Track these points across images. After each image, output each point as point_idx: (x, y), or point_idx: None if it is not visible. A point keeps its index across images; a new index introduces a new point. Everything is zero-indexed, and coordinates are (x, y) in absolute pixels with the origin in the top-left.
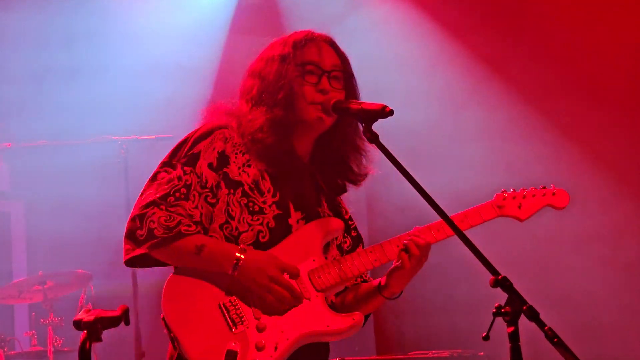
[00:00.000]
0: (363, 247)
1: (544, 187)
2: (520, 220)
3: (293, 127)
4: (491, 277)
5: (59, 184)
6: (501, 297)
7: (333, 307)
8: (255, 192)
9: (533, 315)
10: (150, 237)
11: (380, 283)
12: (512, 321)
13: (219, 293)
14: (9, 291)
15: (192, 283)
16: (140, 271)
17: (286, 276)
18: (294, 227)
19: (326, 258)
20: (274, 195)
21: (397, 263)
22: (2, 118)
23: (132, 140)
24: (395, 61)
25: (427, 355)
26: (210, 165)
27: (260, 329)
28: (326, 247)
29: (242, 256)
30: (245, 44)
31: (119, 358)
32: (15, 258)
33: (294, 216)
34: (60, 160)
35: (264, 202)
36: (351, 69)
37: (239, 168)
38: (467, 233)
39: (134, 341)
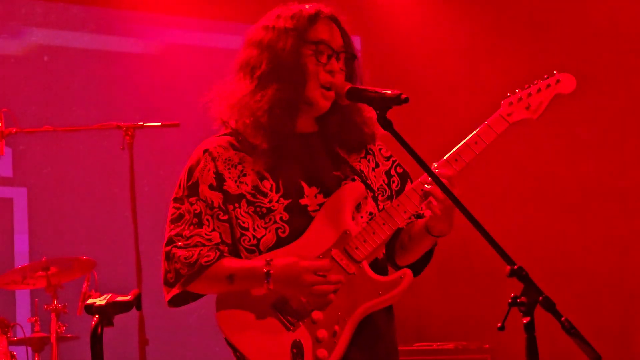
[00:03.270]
0: (411, 182)
1: (547, 77)
2: (534, 119)
3: (300, 106)
4: (507, 266)
5: (63, 170)
6: (502, 287)
7: (390, 257)
8: (259, 196)
9: (549, 306)
10: (178, 277)
11: (427, 225)
12: (528, 312)
13: (268, 296)
14: (12, 277)
15: (239, 293)
16: (144, 259)
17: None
18: (311, 205)
19: (361, 219)
20: (277, 191)
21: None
22: (7, 103)
23: (138, 127)
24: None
25: (432, 347)
26: (211, 187)
27: (315, 321)
28: (357, 209)
29: (270, 271)
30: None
31: (122, 345)
32: (18, 244)
33: (310, 193)
34: (65, 146)
35: (270, 202)
36: (354, 50)
37: (236, 182)
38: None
39: (138, 328)
